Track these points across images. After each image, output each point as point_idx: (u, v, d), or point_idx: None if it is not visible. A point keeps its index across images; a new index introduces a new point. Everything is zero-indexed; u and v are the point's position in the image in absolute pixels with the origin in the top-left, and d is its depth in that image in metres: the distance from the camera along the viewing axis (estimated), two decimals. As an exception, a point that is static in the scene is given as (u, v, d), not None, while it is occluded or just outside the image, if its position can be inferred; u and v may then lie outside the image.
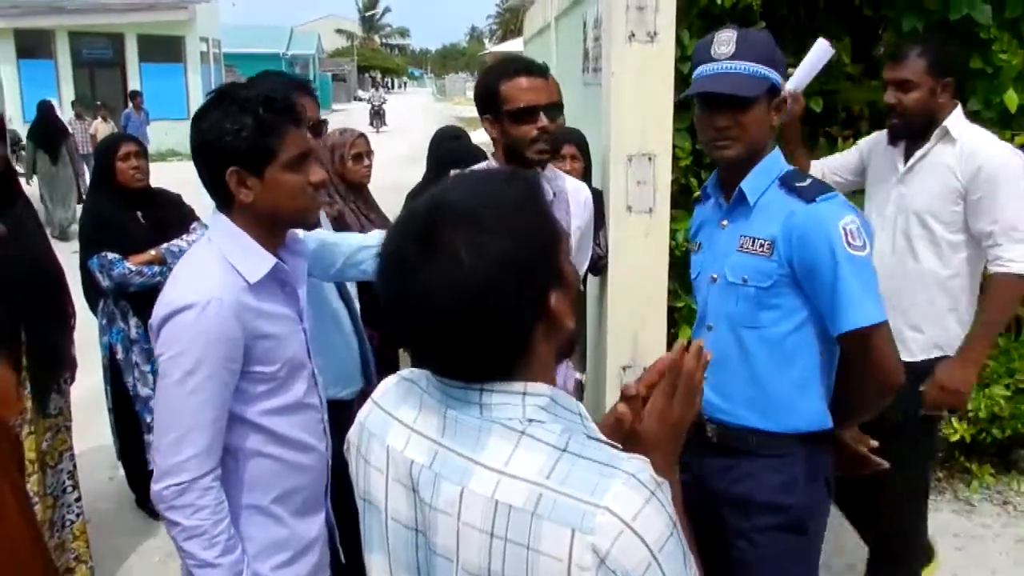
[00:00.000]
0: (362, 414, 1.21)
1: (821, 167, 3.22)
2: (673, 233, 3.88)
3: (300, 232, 2.00)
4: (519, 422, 1.03)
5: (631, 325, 3.83)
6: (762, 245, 1.98)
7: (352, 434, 1.22)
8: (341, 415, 2.36)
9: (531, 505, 0.97)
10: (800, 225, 1.93)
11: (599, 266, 3.71)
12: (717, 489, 2.11)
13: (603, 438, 1.05)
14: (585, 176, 3.69)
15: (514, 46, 26.81)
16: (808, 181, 1.99)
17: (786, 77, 2.08)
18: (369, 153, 3.74)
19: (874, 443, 2.10)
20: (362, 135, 3.63)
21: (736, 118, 1.98)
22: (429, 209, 1.04)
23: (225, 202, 1.82)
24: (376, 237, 2.33)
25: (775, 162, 2.05)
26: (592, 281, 4.00)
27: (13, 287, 2.97)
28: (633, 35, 3.60)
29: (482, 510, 1.00)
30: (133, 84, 20.22)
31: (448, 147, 4.28)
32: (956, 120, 2.86)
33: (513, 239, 1.00)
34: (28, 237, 3.11)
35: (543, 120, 2.39)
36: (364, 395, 2.49)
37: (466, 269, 0.97)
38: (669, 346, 3.99)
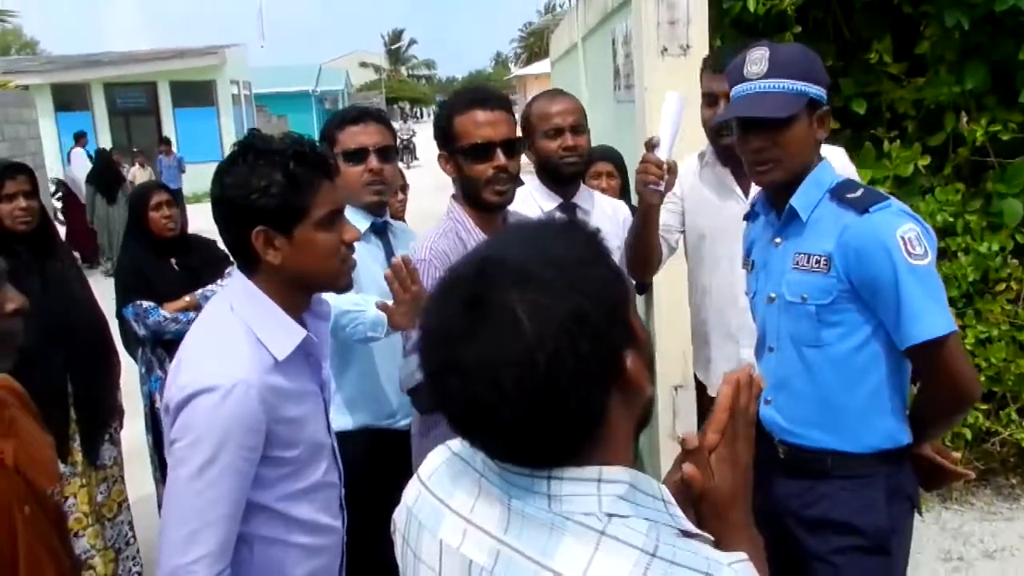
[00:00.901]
0: (409, 498, 1.07)
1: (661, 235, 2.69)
2: (719, 247, 3.80)
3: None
4: (596, 519, 0.88)
5: (680, 344, 3.73)
6: (818, 261, 1.90)
7: (398, 518, 1.08)
8: (398, 446, 2.29)
9: None
10: (856, 238, 1.83)
11: (644, 285, 3.63)
12: (792, 512, 2.02)
13: (693, 529, 0.92)
14: (623, 194, 3.61)
15: (541, 68, 26.87)
16: (860, 191, 1.89)
17: (829, 87, 1.98)
18: (404, 187, 3.70)
19: (956, 455, 1.99)
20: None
21: (774, 139, 1.89)
22: (478, 270, 0.90)
23: (249, 264, 1.67)
24: (355, 300, 2.22)
25: (825, 173, 1.95)
26: (639, 300, 3.92)
27: (57, 340, 2.97)
28: (665, 49, 3.54)
29: None
30: (167, 129, 20.55)
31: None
32: None
33: (579, 298, 0.86)
34: (70, 288, 3.11)
35: (501, 158, 2.14)
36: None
37: (529, 336, 0.84)
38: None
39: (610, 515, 0.88)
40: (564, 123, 2.66)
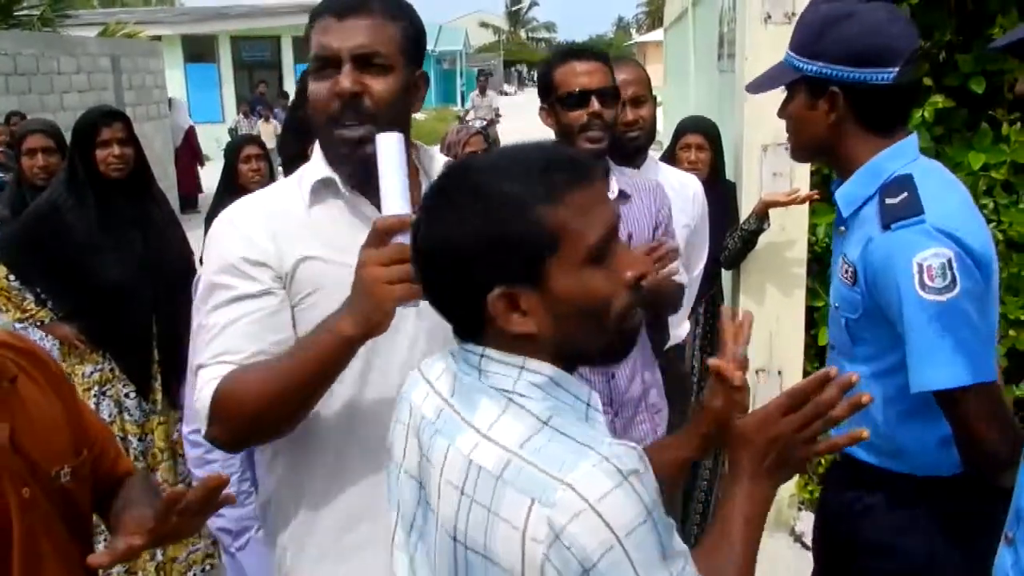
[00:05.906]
0: (406, 387, 1.26)
1: None
2: (813, 228, 3.64)
3: None
4: (509, 391, 1.07)
5: (766, 325, 3.61)
6: (847, 271, 1.69)
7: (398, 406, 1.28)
8: None
9: (499, 469, 1.00)
10: (873, 256, 1.60)
11: (729, 260, 3.51)
12: (840, 525, 1.88)
13: (602, 430, 1.08)
14: (714, 167, 3.49)
15: (659, 35, 26.30)
16: (900, 197, 1.59)
17: (859, 62, 1.67)
18: (485, 151, 3.68)
19: None
20: (479, 132, 3.57)
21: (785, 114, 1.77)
22: (451, 174, 1.13)
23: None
24: None
25: (886, 163, 1.66)
26: (726, 277, 3.81)
27: (147, 283, 3.09)
28: (769, 16, 3.38)
29: (459, 468, 1.05)
30: (288, 84, 21.03)
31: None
32: None
33: (497, 215, 1.02)
34: (165, 234, 3.21)
35: (595, 105, 2.16)
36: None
37: (452, 236, 1.05)
38: (807, 349, 3.75)
39: (522, 393, 1.07)
40: (623, 95, 2.48)
